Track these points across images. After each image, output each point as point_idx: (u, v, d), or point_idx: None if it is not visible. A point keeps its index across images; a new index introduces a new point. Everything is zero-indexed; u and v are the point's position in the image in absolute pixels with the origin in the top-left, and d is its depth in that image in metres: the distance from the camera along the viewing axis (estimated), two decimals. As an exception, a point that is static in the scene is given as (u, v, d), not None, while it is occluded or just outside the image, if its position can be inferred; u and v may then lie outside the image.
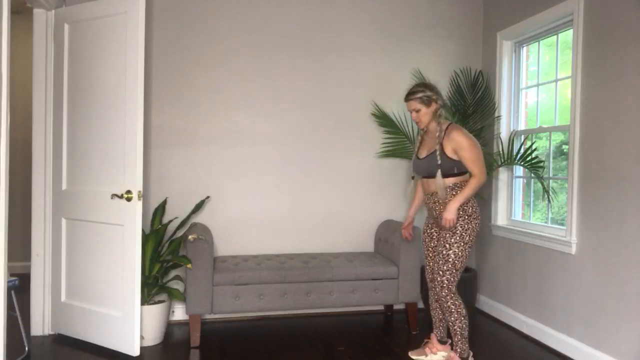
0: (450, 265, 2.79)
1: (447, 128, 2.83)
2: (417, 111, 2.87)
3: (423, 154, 2.94)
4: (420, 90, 2.87)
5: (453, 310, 2.82)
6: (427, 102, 2.85)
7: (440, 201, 2.84)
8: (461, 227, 2.79)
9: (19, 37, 4.55)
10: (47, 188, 3.37)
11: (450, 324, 2.85)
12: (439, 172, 2.78)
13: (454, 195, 2.80)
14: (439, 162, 2.78)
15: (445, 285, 2.80)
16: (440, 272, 2.81)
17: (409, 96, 2.89)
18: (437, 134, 2.82)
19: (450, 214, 2.73)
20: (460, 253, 2.79)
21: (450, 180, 2.81)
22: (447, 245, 2.80)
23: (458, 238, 2.79)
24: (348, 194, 4.04)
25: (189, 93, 3.77)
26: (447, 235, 2.80)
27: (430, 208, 2.94)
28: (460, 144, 2.76)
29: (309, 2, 3.94)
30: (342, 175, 4.03)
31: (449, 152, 2.78)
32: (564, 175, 3.42)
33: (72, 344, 3.24)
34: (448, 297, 2.81)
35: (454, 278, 2.80)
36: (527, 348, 3.35)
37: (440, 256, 2.81)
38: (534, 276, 3.50)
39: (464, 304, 2.87)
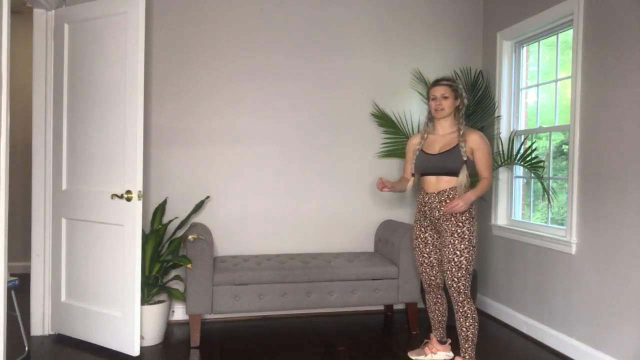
0: (464, 272, 2.75)
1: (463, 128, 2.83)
2: (446, 98, 2.82)
3: (435, 149, 2.87)
4: (454, 81, 2.92)
5: (469, 315, 2.77)
6: (456, 94, 2.85)
7: (448, 200, 2.77)
8: (468, 230, 2.75)
9: (19, 37, 4.54)
10: (47, 188, 3.37)
11: (464, 329, 2.78)
12: (464, 168, 2.74)
13: (455, 195, 2.77)
14: (465, 158, 2.75)
15: (461, 290, 2.76)
16: (455, 279, 2.76)
17: (444, 81, 2.87)
18: (461, 131, 2.80)
19: (465, 203, 2.65)
20: (470, 257, 2.76)
21: (455, 181, 2.78)
22: (458, 252, 2.75)
23: (467, 243, 2.75)
24: (348, 194, 4.04)
25: (189, 93, 3.77)
26: (456, 241, 2.74)
27: (432, 208, 2.84)
28: (481, 145, 2.76)
29: (310, 2, 3.94)
30: (342, 175, 4.03)
31: (467, 151, 2.77)
32: (564, 175, 3.42)
33: (72, 344, 3.24)
34: (465, 302, 2.77)
35: (468, 282, 2.77)
36: (527, 348, 3.35)
37: (452, 264, 2.75)
38: (534, 276, 3.50)
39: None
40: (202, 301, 3.26)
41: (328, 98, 3.99)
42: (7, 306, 2.59)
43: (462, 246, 2.74)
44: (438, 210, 2.82)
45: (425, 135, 2.96)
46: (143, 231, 3.21)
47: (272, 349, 3.25)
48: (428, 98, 2.92)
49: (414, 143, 3.02)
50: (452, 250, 2.76)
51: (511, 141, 3.67)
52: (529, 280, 3.56)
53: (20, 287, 2.95)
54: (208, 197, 3.76)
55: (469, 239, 2.75)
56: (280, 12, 3.90)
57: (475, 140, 2.77)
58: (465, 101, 2.91)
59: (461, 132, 2.80)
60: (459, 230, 2.75)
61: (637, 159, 2.70)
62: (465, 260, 2.75)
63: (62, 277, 3.31)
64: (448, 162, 2.78)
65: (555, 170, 3.54)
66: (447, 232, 2.78)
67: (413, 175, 2.98)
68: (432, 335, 3.12)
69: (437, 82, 2.89)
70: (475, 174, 2.84)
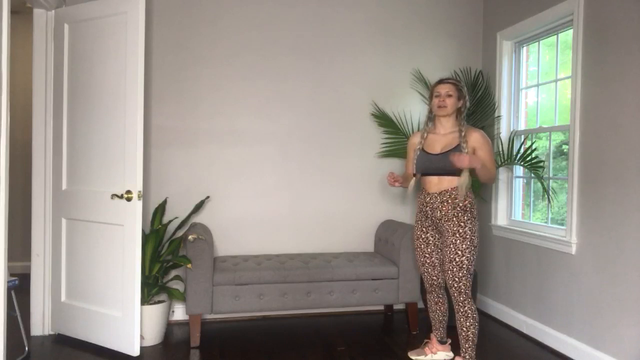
0: (465, 272, 2.75)
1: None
2: (450, 96, 2.83)
3: (436, 149, 2.86)
4: (459, 81, 2.94)
5: (469, 315, 2.77)
6: (460, 94, 2.86)
7: (450, 200, 2.77)
8: (470, 230, 2.75)
9: (19, 37, 4.55)
10: (47, 188, 3.37)
11: (465, 329, 2.78)
12: (465, 168, 2.73)
13: (456, 195, 2.77)
14: None
15: (462, 290, 2.76)
16: (457, 279, 2.76)
17: (449, 80, 2.89)
18: (463, 132, 2.80)
19: (471, 161, 2.61)
20: (471, 257, 2.76)
21: (456, 181, 2.79)
22: (460, 252, 2.75)
23: (469, 243, 2.75)
24: (348, 194, 4.04)
25: (189, 93, 3.77)
26: (458, 241, 2.74)
27: (434, 208, 2.84)
28: (483, 144, 2.78)
29: (310, 2, 3.94)
30: (342, 175, 4.03)
31: (469, 151, 2.77)
32: (564, 175, 3.42)
33: (72, 344, 3.24)
34: (465, 302, 2.77)
35: (469, 282, 2.77)
36: (527, 348, 3.35)
37: (454, 263, 2.76)
38: (534, 276, 3.50)
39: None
40: (202, 301, 3.26)
41: (328, 98, 3.99)
42: (7, 306, 2.59)
43: (464, 246, 2.75)
44: (440, 211, 2.82)
45: (425, 134, 2.95)
46: (143, 231, 3.21)
47: (272, 349, 3.25)
48: (431, 96, 2.92)
49: (414, 142, 3.01)
50: (453, 250, 2.76)
51: (511, 141, 3.68)
52: (529, 280, 3.56)
53: (20, 287, 2.96)
54: (208, 197, 3.76)
55: (471, 238, 2.76)
56: (280, 12, 3.90)
57: (476, 139, 2.79)
58: (468, 103, 2.91)
59: (462, 133, 2.81)
60: (460, 230, 2.75)
61: (637, 159, 2.70)
62: (467, 260, 2.75)
63: (62, 277, 3.31)
64: (450, 162, 2.78)
65: (555, 170, 3.54)
66: (448, 232, 2.78)
67: (414, 175, 2.97)
68: (432, 335, 3.13)
69: (442, 81, 2.90)
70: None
